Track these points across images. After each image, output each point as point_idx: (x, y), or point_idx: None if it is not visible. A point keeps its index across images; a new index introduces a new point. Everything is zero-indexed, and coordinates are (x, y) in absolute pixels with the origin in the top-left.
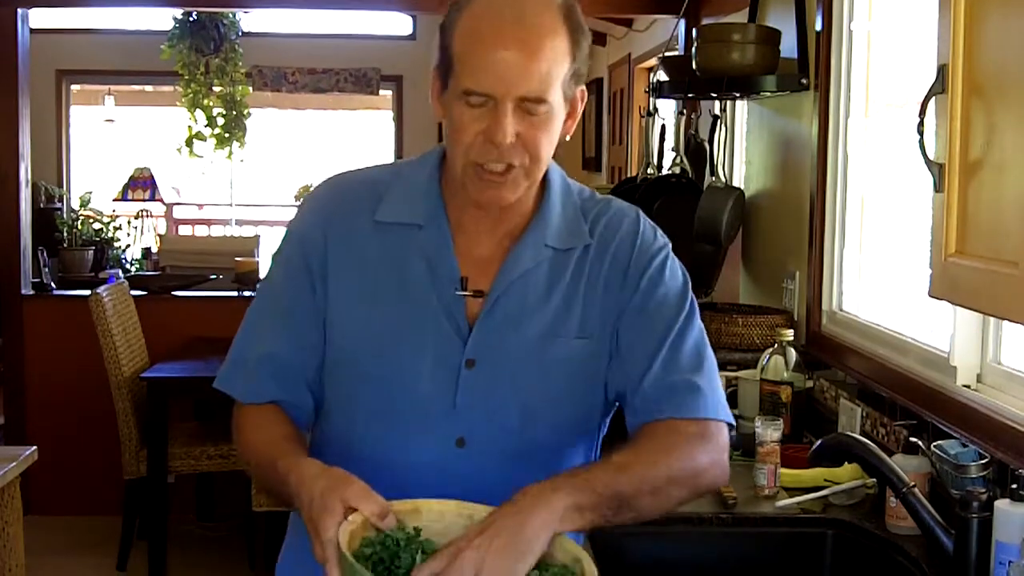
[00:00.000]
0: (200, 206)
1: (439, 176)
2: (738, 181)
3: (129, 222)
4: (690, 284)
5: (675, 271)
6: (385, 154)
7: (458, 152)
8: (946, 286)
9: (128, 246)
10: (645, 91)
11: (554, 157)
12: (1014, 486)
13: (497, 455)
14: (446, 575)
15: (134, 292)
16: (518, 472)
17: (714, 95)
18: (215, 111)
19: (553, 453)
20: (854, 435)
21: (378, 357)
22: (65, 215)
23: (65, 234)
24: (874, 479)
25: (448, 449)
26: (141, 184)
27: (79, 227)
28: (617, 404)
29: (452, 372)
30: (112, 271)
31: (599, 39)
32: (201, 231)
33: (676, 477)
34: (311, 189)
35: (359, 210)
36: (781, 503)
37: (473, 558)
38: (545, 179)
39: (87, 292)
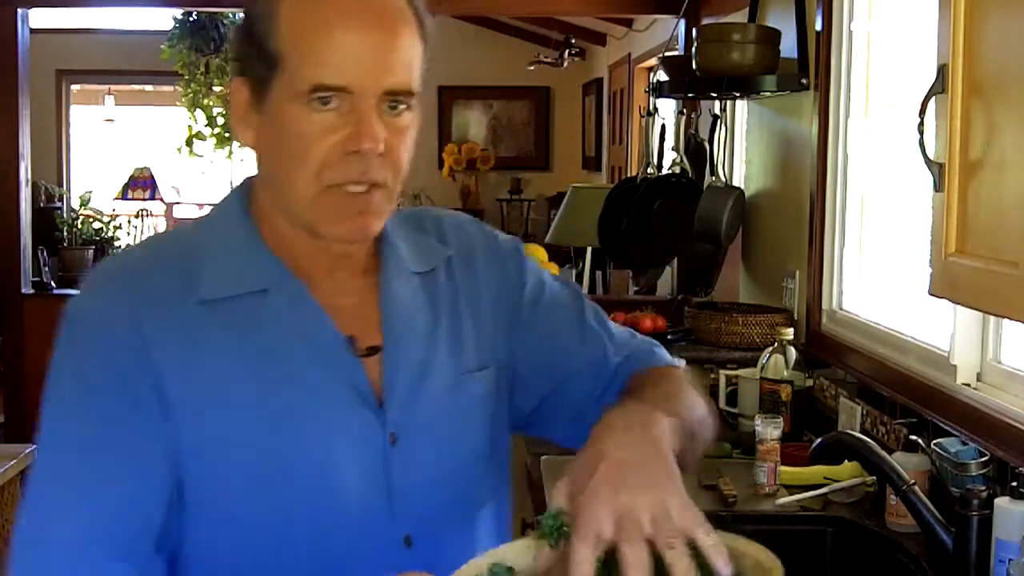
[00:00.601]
0: (200, 206)
1: (255, 226)
2: (738, 181)
3: (129, 221)
4: None
5: (542, 271)
6: None
7: (304, 175)
8: (946, 285)
9: (128, 245)
10: (645, 91)
11: (552, 157)
12: (1014, 484)
13: (452, 538)
14: (580, 532)
15: None
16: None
17: (714, 95)
18: (215, 111)
19: (491, 517)
20: (854, 433)
21: (281, 469)
22: (65, 214)
23: (65, 233)
24: (874, 477)
25: (395, 553)
26: (141, 184)
27: (79, 226)
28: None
29: (377, 455)
30: None
31: (599, 39)
32: None
33: (703, 411)
34: (82, 291)
35: (173, 296)
36: (781, 501)
37: (609, 502)
38: None
39: None
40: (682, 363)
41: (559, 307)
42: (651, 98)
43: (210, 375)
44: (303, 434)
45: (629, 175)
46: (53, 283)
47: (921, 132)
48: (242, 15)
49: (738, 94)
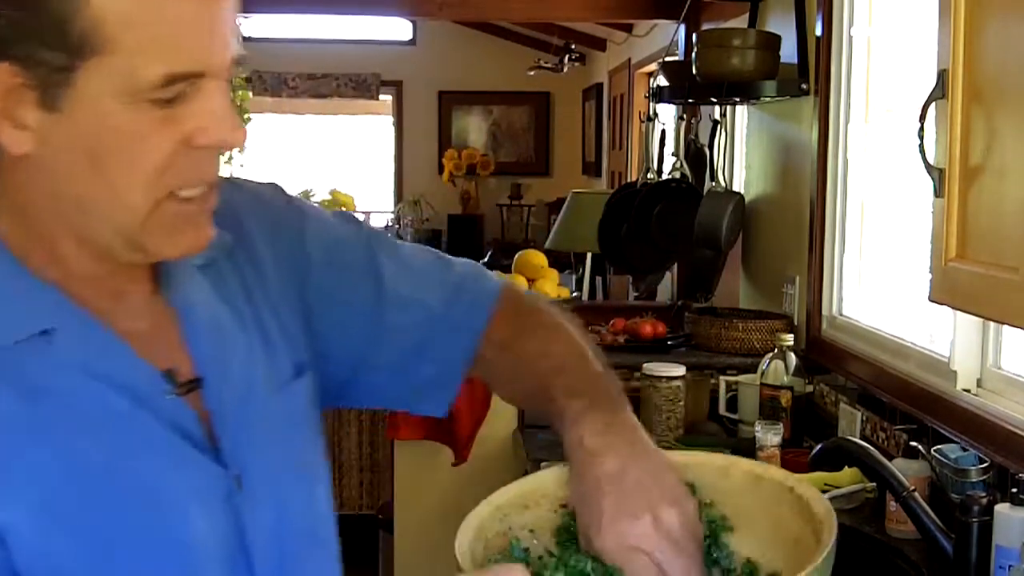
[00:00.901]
0: None
1: (14, 256)
2: (738, 186)
3: None
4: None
5: (298, 199)
6: (385, 159)
7: (136, 185)
8: (946, 291)
9: None
10: (645, 96)
11: (552, 162)
12: (1014, 490)
13: (314, 572)
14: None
15: None
16: None
17: (714, 100)
18: None
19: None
20: (854, 439)
21: (114, 551)
22: None
23: None
24: (874, 483)
25: None
26: None
27: None
28: None
29: (224, 506)
30: None
31: (599, 44)
32: None
33: (584, 338)
34: None
35: None
36: None
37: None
38: None
39: None
40: (503, 281)
41: (349, 254)
42: (651, 103)
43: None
44: (133, 505)
45: (629, 180)
46: None
47: (921, 138)
48: None
49: (738, 99)
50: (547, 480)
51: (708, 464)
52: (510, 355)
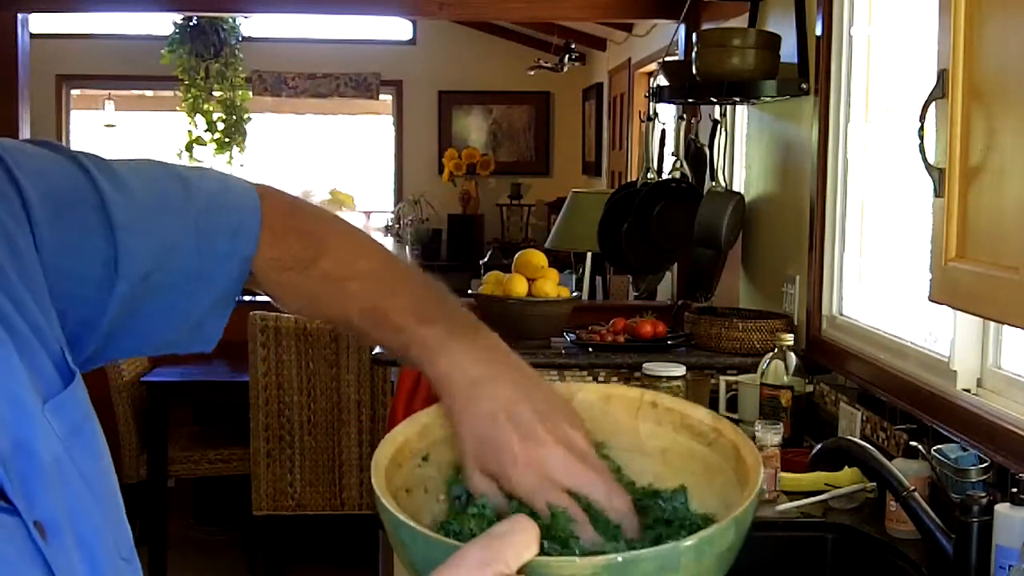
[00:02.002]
0: None
1: None
2: (738, 186)
3: None
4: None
5: (20, 143)
6: (385, 159)
7: None
8: (946, 290)
9: None
10: (645, 96)
11: (552, 162)
12: (1014, 490)
13: None
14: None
15: None
16: None
17: (714, 100)
18: (215, 116)
19: None
20: (854, 439)
21: None
22: None
23: None
24: (874, 483)
25: None
26: None
27: None
28: None
29: (32, 561)
30: None
31: (599, 44)
32: None
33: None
34: None
35: None
36: (781, 507)
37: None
38: None
39: None
40: (255, 185)
41: (71, 197)
42: (651, 103)
43: None
44: None
45: (629, 180)
46: None
47: (921, 137)
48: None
49: (738, 99)
50: (425, 424)
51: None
52: (307, 277)
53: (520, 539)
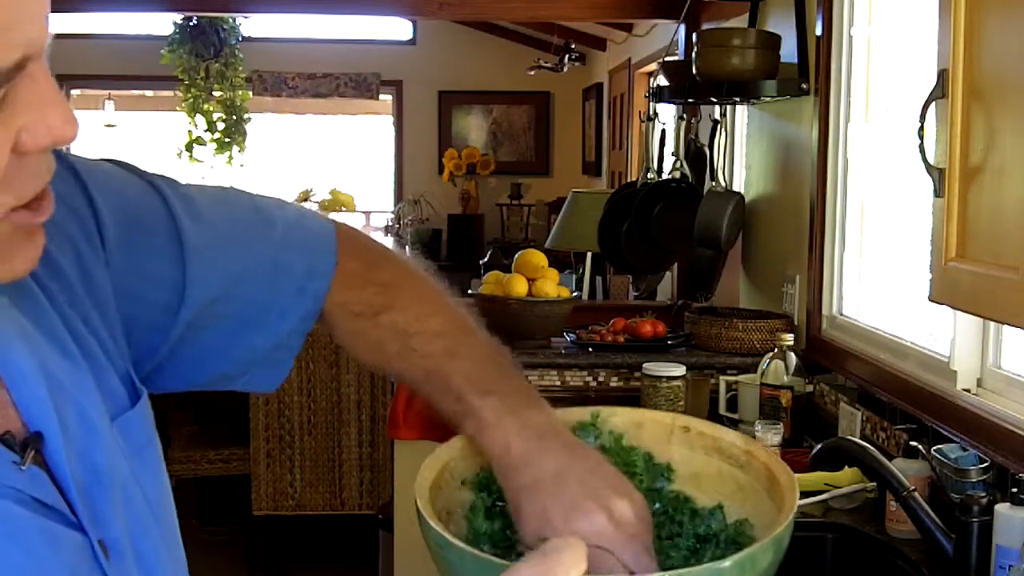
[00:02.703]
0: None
1: None
2: (738, 186)
3: None
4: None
5: (98, 163)
6: (385, 159)
7: None
8: (946, 290)
9: None
10: (645, 96)
11: (552, 162)
12: (1014, 490)
13: None
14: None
15: None
16: None
17: (714, 100)
18: (215, 116)
19: None
20: (854, 439)
21: None
22: None
23: None
24: (874, 483)
25: None
26: None
27: None
28: None
29: None
30: None
31: (599, 44)
32: None
33: (463, 307)
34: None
35: None
36: None
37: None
38: None
39: None
40: (333, 222)
41: (146, 220)
42: (651, 103)
43: None
44: None
45: (629, 180)
46: None
47: (921, 137)
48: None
49: (738, 99)
50: (461, 447)
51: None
52: (377, 326)
53: (569, 556)
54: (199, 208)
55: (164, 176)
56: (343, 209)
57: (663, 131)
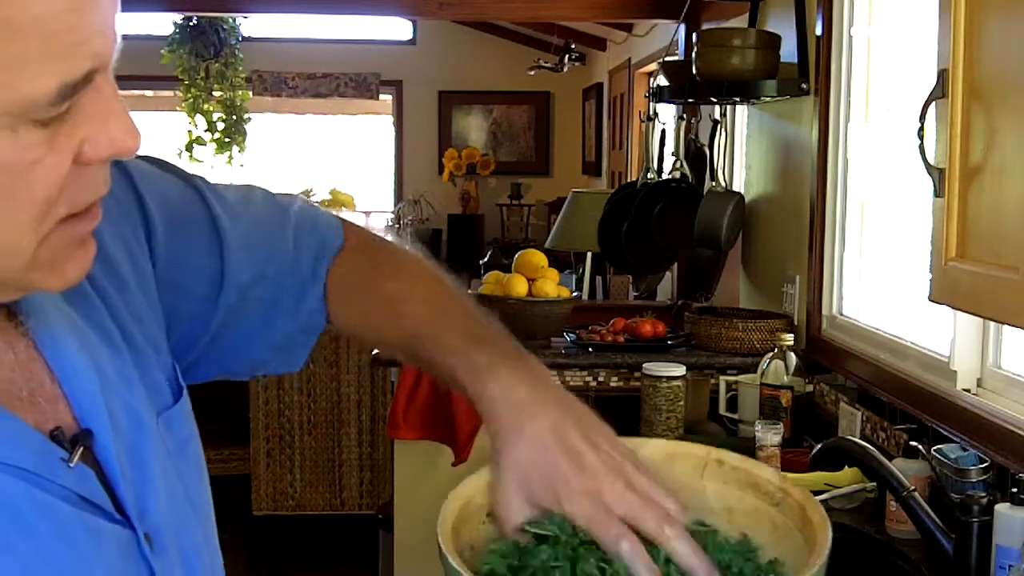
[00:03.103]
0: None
1: None
2: (738, 186)
3: None
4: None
5: (142, 162)
6: (385, 159)
7: (24, 228)
8: (946, 290)
9: None
10: (645, 96)
11: (552, 162)
12: (1014, 490)
13: None
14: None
15: None
16: None
17: (714, 100)
18: (215, 116)
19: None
20: (854, 439)
21: None
22: None
23: None
24: (874, 483)
25: None
26: None
27: None
28: None
29: (136, 574)
30: None
31: (599, 44)
32: None
33: (449, 278)
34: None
35: None
36: None
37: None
38: None
39: None
40: (336, 215)
41: (188, 215)
42: (651, 103)
43: None
44: None
45: (629, 180)
46: None
47: (921, 137)
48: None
49: (738, 99)
50: (479, 488)
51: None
52: (369, 296)
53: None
54: (230, 203)
55: (195, 174)
56: (343, 209)
57: (663, 131)
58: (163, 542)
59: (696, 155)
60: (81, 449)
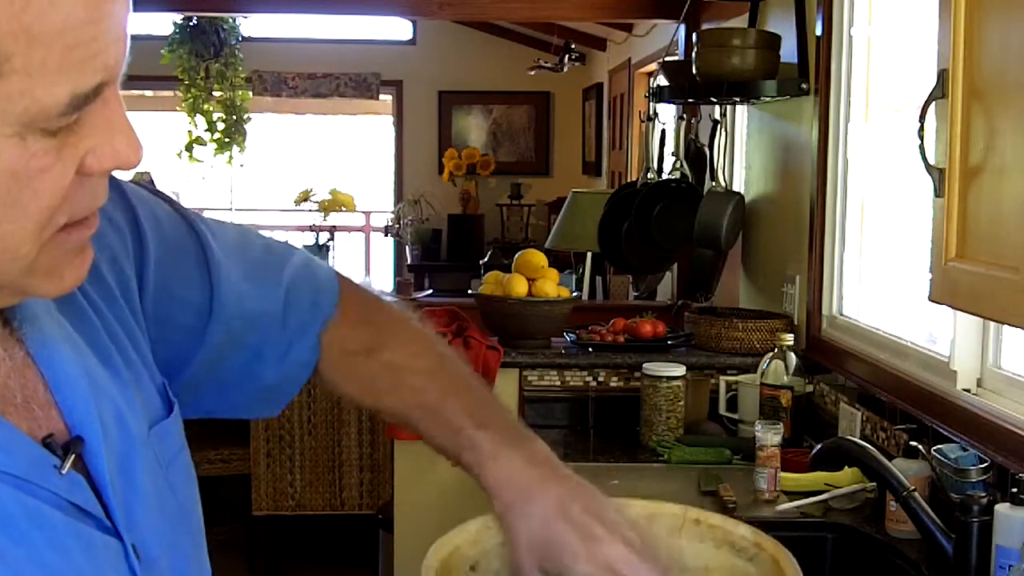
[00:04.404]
0: (200, 211)
1: None
2: (738, 186)
3: None
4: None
5: (135, 185)
6: (385, 159)
7: (27, 234)
8: (946, 290)
9: None
10: (645, 96)
11: (552, 162)
12: (1014, 490)
13: None
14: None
15: None
16: None
17: (714, 100)
18: (215, 116)
19: None
20: (854, 439)
21: None
22: None
23: None
24: (874, 483)
25: None
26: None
27: None
28: None
29: None
30: None
31: (599, 44)
32: None
33: (451, 352)
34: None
35: None
36: (781, 507)
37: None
38: None
39: None
40: (335, 271)
41: (180, 247)
42: (651, 103)
43: None
44: None
45: (629, 180)
46: None
47: (921, 137)
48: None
49: (738, 99)
50: (475, 531)
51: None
52: (371, 363)
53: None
54: (224, 241)
55: (187, 208)
56: (343, 209)
57: (663, 131)
58: (151, 554)
59: (696, 155)
60: (73, 457)
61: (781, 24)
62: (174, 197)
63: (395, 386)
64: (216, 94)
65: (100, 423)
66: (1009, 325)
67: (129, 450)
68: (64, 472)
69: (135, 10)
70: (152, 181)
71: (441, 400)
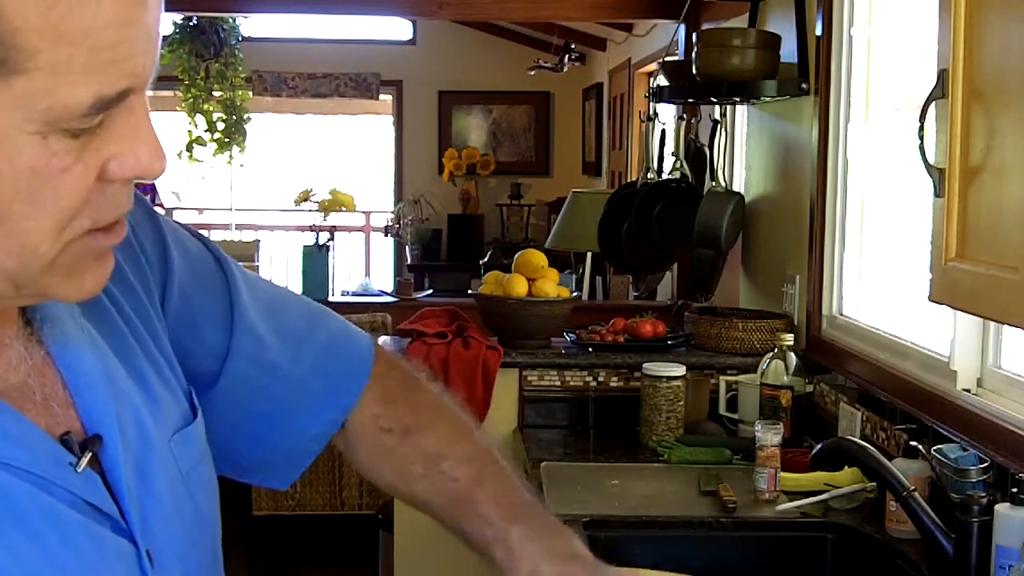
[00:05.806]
0: (200, 211)
1: None
2: (738, 186)
3: None
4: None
5: (170, 220)
6: (385, 159)
7: (46, 233)
8: (946, 290)
9: None
10: (645, 96)
11: (552, 162)
12: (1014, 490)
13: None
14: None
15: None
16: None
17: (714, 100)
18: (215, 116)
19: None
20: (854, 439)
21: None
22: None
23: None
24: (874, 483)
25: None
26: (141, 189)
27: None
28: None
29: None
30: None
31: (599, 44)
32: None
33: (475, 426)
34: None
35: None
36: (781, 507)
37: None
38: None
39: None
40: (374, 341)
41: (207, 289)
42: (651, 103)
43: None
44: None
45: (629, 180)
46: None
47: (921, 137)
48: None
49: (738, 99)
50: None
51: None
52: (403, 444)
53: None
54: (256, 292)
55: (226, 255)
56: (343, 209)
57: (663, 131)
58: (164, 560)
59: (696, 155)
60: (89, 455)
61: (781, 24)
62: (202, 235)
63: (429, 472)
64: (216, 94)
65: (118, 425)
66: (1009, 325)
67: (147, 454)
68: (80, 470)
69: None
70: (152, 182)
71: (475, 491)
